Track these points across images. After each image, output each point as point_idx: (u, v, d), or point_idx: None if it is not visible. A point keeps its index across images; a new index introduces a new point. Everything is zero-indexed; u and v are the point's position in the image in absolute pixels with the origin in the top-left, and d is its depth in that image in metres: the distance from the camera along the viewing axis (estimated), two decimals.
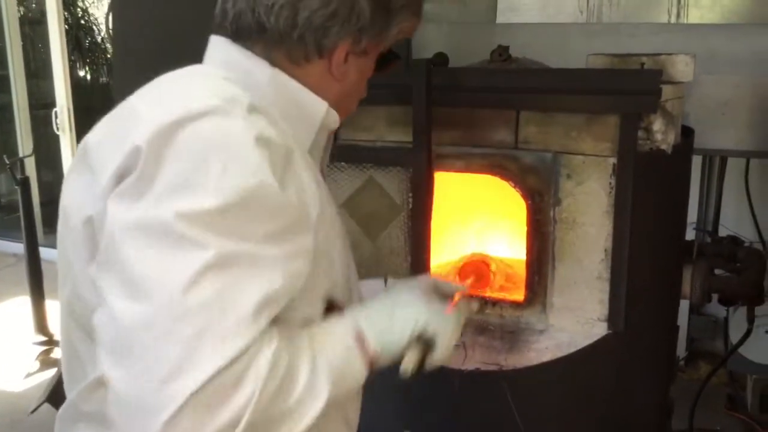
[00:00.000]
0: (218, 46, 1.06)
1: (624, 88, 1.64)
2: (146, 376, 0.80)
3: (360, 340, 1.01)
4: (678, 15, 2.64)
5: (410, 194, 1.76)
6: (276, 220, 0.89)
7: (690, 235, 3.34)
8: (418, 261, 1.79)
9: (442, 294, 1.33)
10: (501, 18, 2.82)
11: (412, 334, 1.06)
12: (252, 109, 0.93)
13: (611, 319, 1.73)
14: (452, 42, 2.81)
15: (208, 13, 1.10)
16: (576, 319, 1.77)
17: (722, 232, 3.34)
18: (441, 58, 1.80)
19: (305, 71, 1.04)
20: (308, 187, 0.98)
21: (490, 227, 2.00)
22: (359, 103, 1.19)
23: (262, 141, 0.89)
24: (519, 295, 1.83)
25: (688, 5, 2.62)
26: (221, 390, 0.80)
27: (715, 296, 2.15)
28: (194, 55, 1.09)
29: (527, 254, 1.78)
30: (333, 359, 0.96)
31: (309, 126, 1.07)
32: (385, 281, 1.58)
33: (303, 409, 0.89)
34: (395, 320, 1.06)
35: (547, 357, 1.75)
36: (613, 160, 1.67)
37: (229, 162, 0.85)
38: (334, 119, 1.10)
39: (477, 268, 1.87)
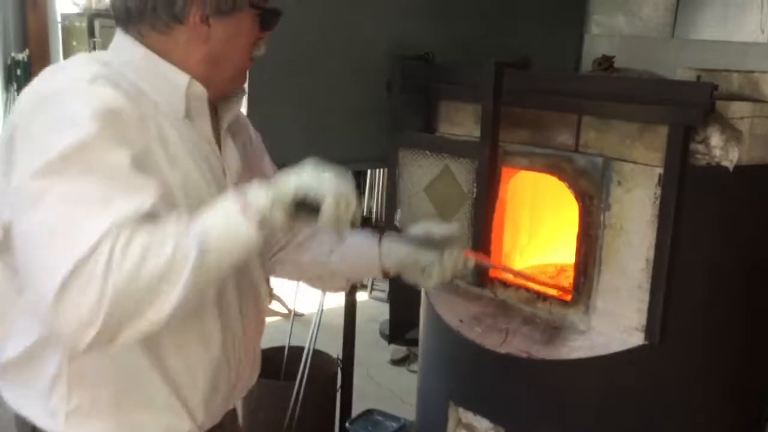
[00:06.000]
0: (117, 35, 1.28)
1: (674, 99, 1.64)
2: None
3: (244, 204, 1.10)
4: None
5: (475, 184, 1.91)
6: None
7: None
8: (478, 248, 1.93)
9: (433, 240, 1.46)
10: (679, 33, 2.76)
11: (297, 191, 1.11)
12: (93, 80, 1.13)
13: (648, 330, 1.73)
14: (624, 55, 2.81)
15: None
16: (615, 325, 1.79)
17: None
18: (524, 61, 1.92)
19: (173, 39, 1.23)
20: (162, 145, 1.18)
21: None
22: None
23: (99, 104, 1.09)
24: (568, 295, 1.89)
25: None
26: (82, 275, 1.00)
27: None
28: None
29: (576, 255, 1.84)
30: (209, 227, 1.08)
31: (177, 96, 1.24)
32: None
33: (171, 280, 1.04)
34: (282, 181, 1.13)
35: (577, 355, 1.80)
36: (660, 170, 1.68)
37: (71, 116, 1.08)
38: (198, 90, 1.25)
39: None
